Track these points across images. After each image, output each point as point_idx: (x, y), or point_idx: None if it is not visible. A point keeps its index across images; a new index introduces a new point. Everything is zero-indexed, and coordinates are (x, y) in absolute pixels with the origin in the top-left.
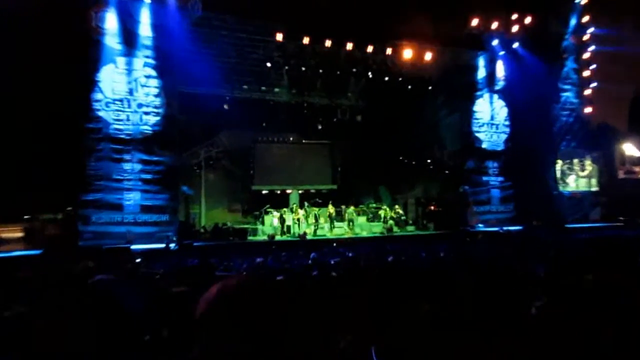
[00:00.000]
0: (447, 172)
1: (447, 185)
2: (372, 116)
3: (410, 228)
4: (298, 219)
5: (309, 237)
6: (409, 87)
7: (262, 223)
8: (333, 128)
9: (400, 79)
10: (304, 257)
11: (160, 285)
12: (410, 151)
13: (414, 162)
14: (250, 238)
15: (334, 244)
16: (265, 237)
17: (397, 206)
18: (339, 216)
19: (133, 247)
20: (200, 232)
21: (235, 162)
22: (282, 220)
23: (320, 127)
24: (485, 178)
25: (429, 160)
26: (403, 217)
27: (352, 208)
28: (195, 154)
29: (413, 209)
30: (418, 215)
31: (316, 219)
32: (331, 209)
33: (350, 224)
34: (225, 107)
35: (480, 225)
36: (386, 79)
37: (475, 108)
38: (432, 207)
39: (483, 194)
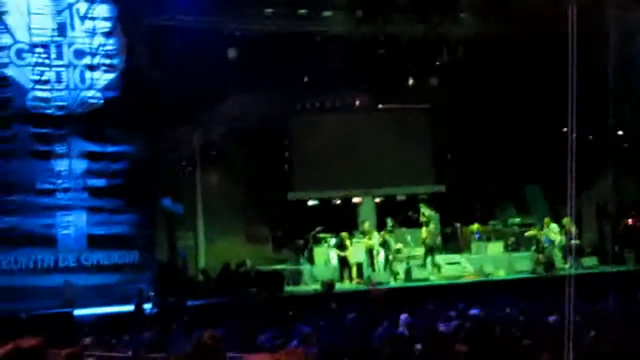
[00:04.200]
0: None
1: None
2: (507, 53)
3: (589, 261)
4: (370, 250)
5: (394, 283)
6: None
7: (311, 261)
8: (434, 80)
9: None
10: (388, 321)
11: None
12: (581, 118)
13: (590, 137)
14: (289, 289)
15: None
16: (317, 287)
17: (563, 221)
18: (452, 242)
19: (77, 312)
20: (198, 281)
21: (254, 152)
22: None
23: (410, 80)
24: None
25: (618, 133)
26: (575, 242)
27: (475, 226)
28: (182, 140)
29: (592, 225)
30: (603, 237)
31: (408, 249)
32: (432, 229)
33: (473, 256)
34: (233, 51)
35: None
36: None
37: None
38: (631, 222)
39: None
